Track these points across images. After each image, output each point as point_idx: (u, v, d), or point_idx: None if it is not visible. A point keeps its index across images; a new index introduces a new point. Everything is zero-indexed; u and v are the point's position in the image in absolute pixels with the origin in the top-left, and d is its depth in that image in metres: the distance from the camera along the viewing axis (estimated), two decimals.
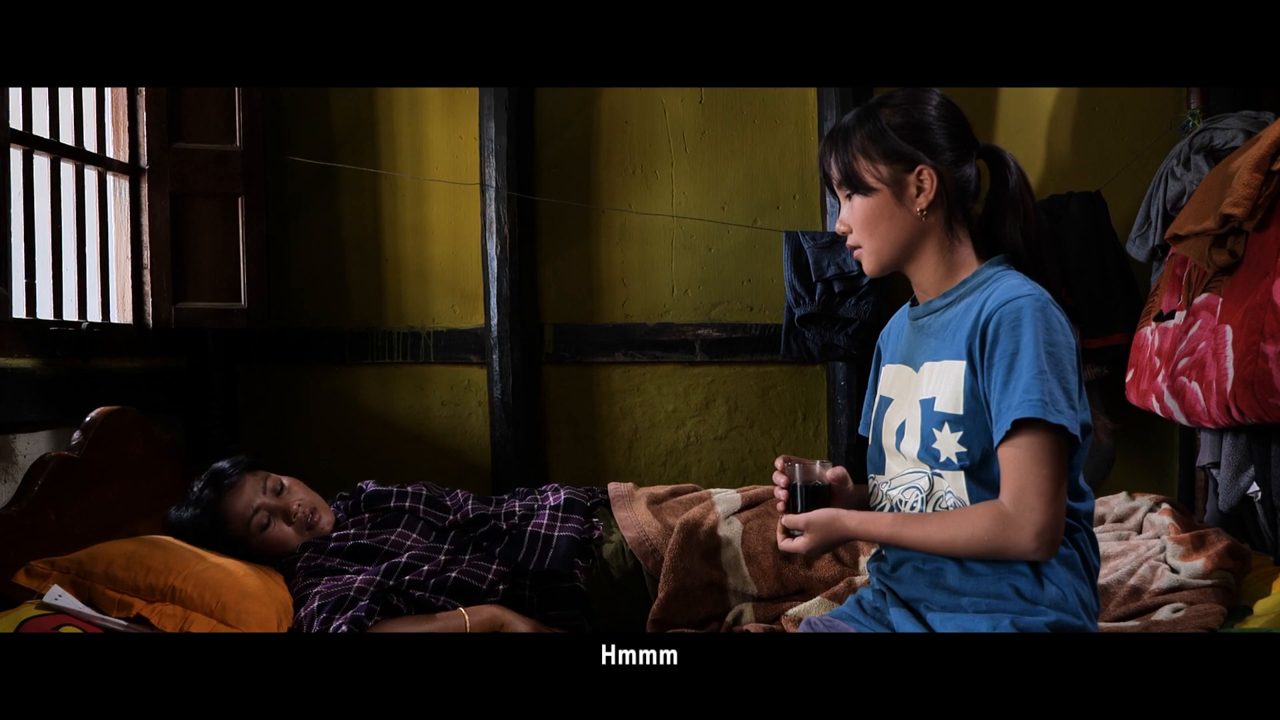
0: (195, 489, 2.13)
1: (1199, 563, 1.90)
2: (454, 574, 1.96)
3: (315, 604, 1.90)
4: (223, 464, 2.17)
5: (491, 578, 1.98)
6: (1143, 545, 2.06)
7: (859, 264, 1.53)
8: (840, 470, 1.56)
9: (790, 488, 1.51)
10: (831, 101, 2.96)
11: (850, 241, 1.51)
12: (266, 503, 2.12)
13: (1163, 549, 2.01)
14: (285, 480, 2.18)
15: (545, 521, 2.09)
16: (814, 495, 1.50)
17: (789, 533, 1.50)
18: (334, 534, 2.11)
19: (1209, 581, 1.87)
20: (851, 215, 1.49)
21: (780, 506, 1.53)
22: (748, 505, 2.16)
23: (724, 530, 2.05)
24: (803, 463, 1.51)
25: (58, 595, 1.83)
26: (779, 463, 1.52)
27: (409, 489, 2.24)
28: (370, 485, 2.31)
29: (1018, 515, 1.33)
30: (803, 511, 1.49)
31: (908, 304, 1.57)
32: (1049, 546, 1.33)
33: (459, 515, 2.16)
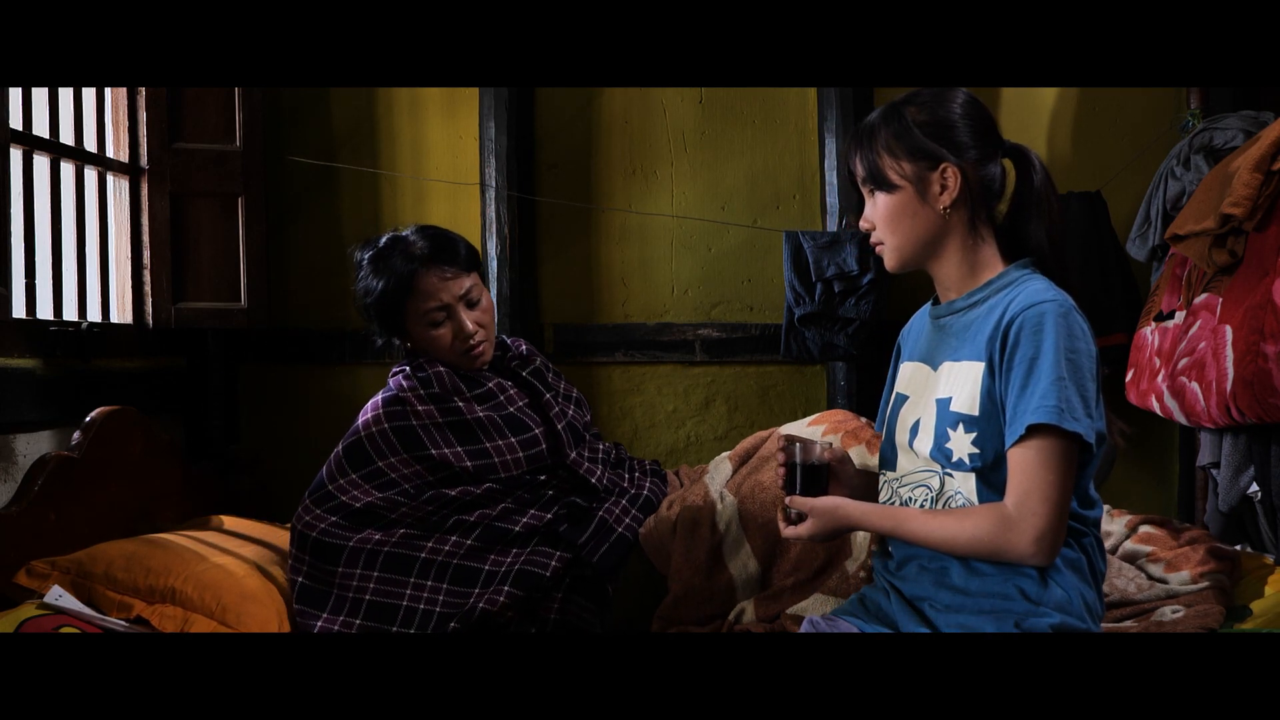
0: (372, 254, 1.97)
1: (1185, 573, 1.90)
2: (519, 566, 1.89)
3: (391, 530, 1.85)
4: (405, 234, 2.00)
5: (555, 564, 1.90)
6: (1128, 569, 2.02)
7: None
8: (839, 451, 1.57)
9: (789, 466, 1.53)
10: (831, 101, 2.96)
11: (873, 239, 1.52)
12: (452, 304, 1.96)
13: (1143, 570, 1.98)
14: (484, 295, 2.02)
15: (617, 513, 2.02)
16: (813, 475, 1.52)
17: (789, 516, 1.52)
18: (463, 381, 1.99)
19: (1202, 585, 1.86)
20: (875, 212, 1.49)
21: (780, 485, 1.55)
22: (739, 464, 2.14)
23: (720, 510, 2.02)
24: (803, 442, 1.53)
25: (58, 595, 1.83)
26: (780, 441, 1.54)
27: (567, 408, 2.08)
28: (534, 355, 2.15)
29: (1019, 519, 1.33)
30: (801, 491, 1.51)
31: (930, 302, 1.57)
32: (1048, 552, 1.33)
33: (572, 463, 2.02)
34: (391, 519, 1.88)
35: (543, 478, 2.00)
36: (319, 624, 1.86)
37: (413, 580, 1.87)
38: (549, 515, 1.96)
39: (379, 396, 1.96)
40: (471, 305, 1.98)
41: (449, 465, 1.91)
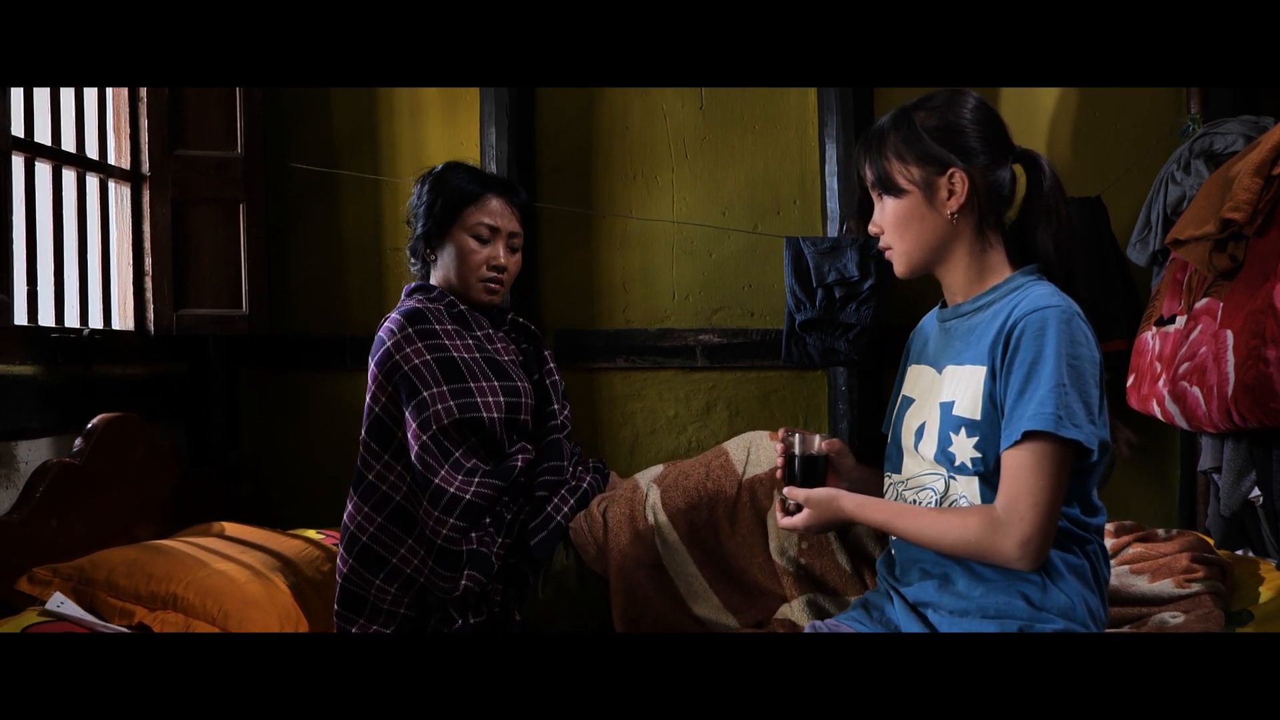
0: (449, 164, 2.13)
1: (1168, 582, 1.88)
2: (470, 547, 1.91)
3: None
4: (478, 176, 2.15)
5: (498, 550, 1.92)
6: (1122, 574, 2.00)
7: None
8: (836, 442, 1.57)
9: (787, 457, 1.54)
10: (832, 106, 2.96)
11: (882, 243, 1.52)
12: (502, 230, 2.08)
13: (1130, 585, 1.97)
14: (519, 254, 2.14)
15: (556, 501, 2.02)
16: (810, 466, 1.53)
17: (786, 507, 1.53)
18: (457, 320, 2.06)
19: (1195, 589, 1.85)
20: (883, 217, 1.49)
21: (779, 475, 1.56)
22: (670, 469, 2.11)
23: (648, 500, 1.99)
24: (802, 434, 1.55)
25: (60, 602, 1.83)
26: (780, 433, 1.55)
27: (555, 403, 2.16)
28: (547, 336, 2.25)
29: (1007, 522, 1.33)
30: (800, 482, 1.52)
31: (938, 305, 1.57)
32: (1033, 557, 1.33)
33: (554, 411, 2.12)
34: (415, 522, 1.92)
35: (520, 462, 2.00)
36: (354, 629, 1.90)
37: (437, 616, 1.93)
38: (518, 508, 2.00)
39: (378, 352, 2.00)
40: (512, 250, 2.12)
41: (430, 407, 1.93)
